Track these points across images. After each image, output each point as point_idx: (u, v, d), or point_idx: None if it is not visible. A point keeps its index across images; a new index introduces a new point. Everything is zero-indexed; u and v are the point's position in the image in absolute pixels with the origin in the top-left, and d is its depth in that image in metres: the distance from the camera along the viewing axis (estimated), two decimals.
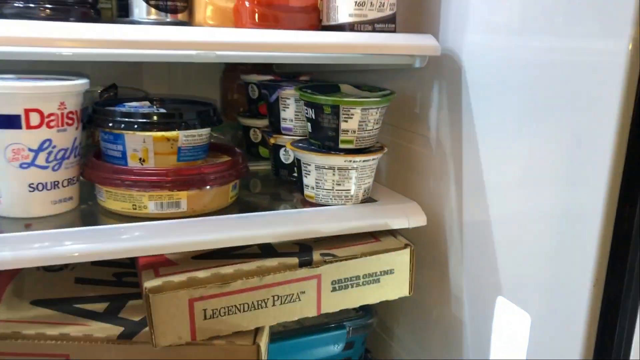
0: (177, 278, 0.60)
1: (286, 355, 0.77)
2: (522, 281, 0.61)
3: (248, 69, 1.06)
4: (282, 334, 0.78)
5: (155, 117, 0.66)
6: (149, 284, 0.59)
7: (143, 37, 0.58)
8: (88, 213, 0.68)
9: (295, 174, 0.80)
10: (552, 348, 0.57)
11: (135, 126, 0.65)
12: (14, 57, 0.58)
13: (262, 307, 0.63)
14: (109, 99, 0.85)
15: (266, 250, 0.67)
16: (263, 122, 0.91)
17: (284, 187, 0.83)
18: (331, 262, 0.65)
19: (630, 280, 0.51)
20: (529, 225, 0.59)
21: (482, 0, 0.64)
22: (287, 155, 0.82)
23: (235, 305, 0.62)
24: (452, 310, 0.72)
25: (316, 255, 0.66)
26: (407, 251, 0.69)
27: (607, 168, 0.49)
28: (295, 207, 0.74)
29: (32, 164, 0.62)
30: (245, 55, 0.64)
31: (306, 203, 0.73)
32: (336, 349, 0.80)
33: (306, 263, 0.65)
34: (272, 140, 0.82)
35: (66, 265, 0.79)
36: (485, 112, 0.65)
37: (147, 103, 0.74)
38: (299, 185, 0.74)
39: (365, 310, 0.84)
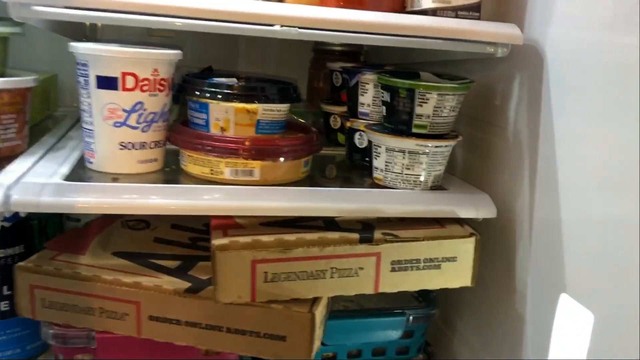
0: (243, 239, 0.63)
1: (344, 334, 0.78)
2: (587, 281, 0.59)
3: (335, 57, 1.09)
4: (342, 312, 0.79)
5: (238, 90, 0.70)
6: (217, 241, 0.63)
7: (226, 7, 0.61)
8: (170, 175, 0.72)
9: (368, 159, 0.81)
10: (614, 349, 0.55)
11: (219, 96, 0.69)
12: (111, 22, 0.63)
13: (320, 278, 0.65)
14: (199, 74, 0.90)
15: (329, 224, 0.69)
16: (343, 109, 0.93)
17: (357, 171, 0.84)
18: (392, 241, 0.66)
19: None
20: (600, 227, 0.57)
21: None
22: (361, 140, 0.83)
23: (295, 272, 0.64)
24: (516, 307, 0.70)
25: (377, 234, 0.67)
26: (472, 240, 0.68)
27: None
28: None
29: (124, 123, 0.68)
30: (328, 34, 0.66)
31: (375, 186, 0.74)
32: (395, 335, 0.80)
33: (367, 240, 0.66)
34: (348, 124, 0.84)
35: (148, 226, 0.85)
36: (566, 108, 0.63)
37: (234, 79, 0.78)
38: (370, 171, 0.76)
39: (428, 300, 0.84)
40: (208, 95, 0.69)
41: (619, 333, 0.54)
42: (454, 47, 0.70)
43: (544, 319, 0.65)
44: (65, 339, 0.69)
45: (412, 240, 0.67)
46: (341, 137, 0.96)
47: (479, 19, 0.69)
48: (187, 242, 0.81)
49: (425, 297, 0.85)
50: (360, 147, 0.84)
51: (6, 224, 0.84)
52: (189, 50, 1.21)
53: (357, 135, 0.84)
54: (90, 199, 0.61)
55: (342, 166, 0.89)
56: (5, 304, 0.85)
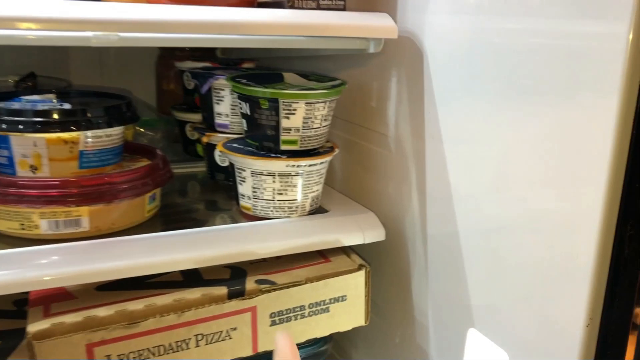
0: (70, 318, 0.48)
1: None
2: (499, 311, 0.50)
3: (184, 55, 0.93)
4: None
5: (48, 115, 0.53)
6: (34, 327, 0.47)
7: (18, 12, 0.45)
8: None
9: (233, 179, 0.68)
10: None
11: (21, 126, 0.52)
12: None
13: (182, 349, 0.51)
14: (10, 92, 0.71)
15: (190, 277, 0.55)
16: (198, 123, 0.78)
17: (222, 193, 0.71)
18: (269, 291, 0.54)
19: (622, 319, 0.40)
20: (506, 240, 0.49)
21: None
22: (223, 157, 0.69)
23: (148, 349, 0.50)
24: (416, 339, 0.61)
25: (250, 283, 0.54)
26: (361, 273, 0.58)
27: (605, 172, 0.39)
28: (232, 219, 0.62)
29: None
30: (158, 37, 0.51)
31: (243, 215, 0.61)
32: None
33: (237, 294, 0.53)
34: (204, 139, 0.70)
35: None
36: (452, 105, 0.54)
37: (52, 96, 0.61)
38: (237, 193, 0.62)
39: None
40: (5, 126, 0.52)
41: None
42: (317, 44, 0.58)
43: (451, 355, 0.56)
44: None
45: (293, 285, 0.55)
46: (201, 149, 0.82)
47: (344, 8, 0.58)
48: (10, 310, 0.63)
49: None
50: (223, 165, 0.70)
51: None
52: (7, 56, 1.00)
53: (217, 153, 0.70)
54: None
55: (204, 186, 0.75)
56: None
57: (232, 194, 0.66)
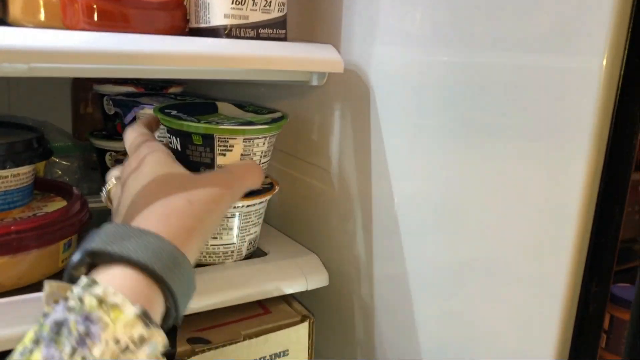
0: None
1: None
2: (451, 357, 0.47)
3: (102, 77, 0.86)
4: None
5: None
6: None
7: None
8: None
9: None
10: None
11: None
12: None
13: None
14: None
15: None
16: (122, 144, 0.71)
17: None
18: (203, 350, 0.48)
19: None
20: (456, 285, 0.46)
21: (393, 5, 0.50)
22: None
23: None
24: None
25: (182, 343, 0.48)
26: (304, 325, 0.53)
27: (572, 227, 0.37)
28: None
29: None
30: (74, 68, 0.45)
31: None
32: None
33: (167, 356, 0.47)
34: None
35: None
36: (398, 141, 0.51)
37: None
38: None
39: None
40: None
41: None
42: (257, 76, 0.54)
43: None
44: None
45: (231, 343, 0.49)
46: None
47: (285, 37, 0.53)
48: None
49: None
50: None
51: None
52: None
53: None
54: None
55: None
56: None
57: None
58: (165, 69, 0.48)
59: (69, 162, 0.78)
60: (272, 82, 0.65)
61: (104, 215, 0.68)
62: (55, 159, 0.77)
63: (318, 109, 0.61)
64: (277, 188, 0.57)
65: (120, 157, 0.69)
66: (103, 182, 0.75)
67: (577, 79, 0.36)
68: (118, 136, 0.74)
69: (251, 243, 0.56)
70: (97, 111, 0.84)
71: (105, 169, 0.76)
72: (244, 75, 0.52)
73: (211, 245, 0.53)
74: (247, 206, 0.53)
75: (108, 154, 0.76)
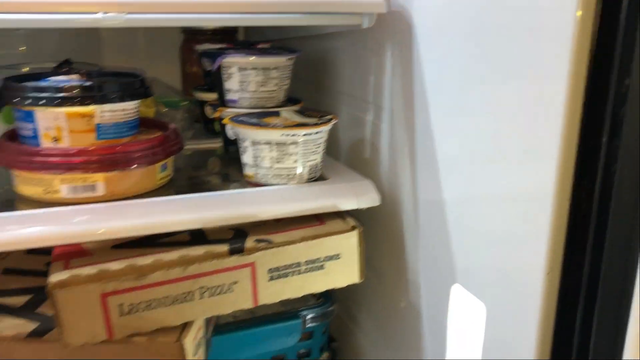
0: (86, 271, 0.54)
1: (235, 349, 0.71)
2: (476, 268, 0.54)
3: (205, 38, 0.99)
4: (230, 325, 0.71)
5: (67, 91, 0.59)
6: (55, 277, 0.53)
7: None
8: (7, 197, 0.61)
9: None
10: (508, 339, 0.50)
11: (44, 101, 0.58)
12: None
13: (188, 301, 0.57)
14: (32, 74, 0.78)
15: (196, 237, 0.60)
16: (213, 100, 0.84)
17: (235, 165, 0.76)
18: (266, 248, 0.58)
19: (590, 267, 0.43)
20: (480, 206, 0.52)
21: None
22: (232, 131, 0.74)
23: (157, 299, 0.56)
24: (410, 297, 0.65)
25: (250, 242, 0.59)
26: (354, 234, 0.62)
27: (558, 142, 0.42)
28: (239, 187, 0.67)
29: None
30: (161, 18, 0.56)
31: (248, 184, 0.66)
32: (292, 340, 0.74)
33: (237, 250, 0.58)
34: (216, 114, 0.75)
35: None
36: (434, 77, 0.57)
37: (76, 77, 0.67)
38: None
39: (326, 297, 0.77)
40: (31, 101, 0.58)
41: (510, 323, 0.49)
42: (314, 21, 0.62)
43: (440, 310, 0.60)
44: None
45: (289, 244, 0.59)
46: (219, 127, 0.87)
47: None
48: (41, 269, 0.70)
49: (322, 293, 0.79)
50: (233, 138, 0.75)
51: None
52: (50, 44, 1.08)
53: (228, 126, 0.75)
54: None
55: (220, 159, 0.80)
56: None
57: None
58: (233, 18, 0.58)
59: (175, 113, 0.92)
60: (332, 30, 0.73)
61: (202, 153, 0.81)
62: (164, 109, 0.91)
63: (373, 52, 0.68)
64: (333, 121, 0.65)
65: (214, 103, 0.80)
66: (204, 130, 0.89)
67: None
68: (215, 90, 0.86)
69: (312, 169, 0.65)
70: (200, 70, 0.97)
71: (205, 117, 0.88)
72: (303, 21, 0.61)
73: (276, 168, 0.63)
74: (305, 135, 0.62)
75: (206, 104, 0.88)
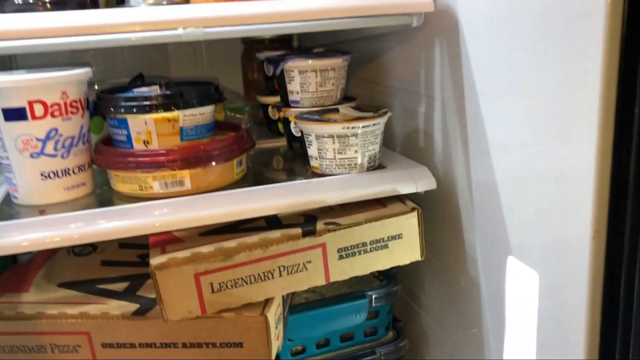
0: (181, 254, 0.62)
1: (308, 327, 0.77)
2: (528, 239, 0.59)
3: (264, 47, 1.06)
4: (303, 305, 0.78)
5: (154, 100, 0.67)
6: (154, 261, 0.61)
7: (121, 18, 0.59)
8: (101, 197, 0.70)
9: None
10: (560, 304, 0.55)
11: (135, 109, 0.66)
12: (17, 51, 0.61)
13: (268, 279, 0.64)
14: (118, 87, 0.87)
15: (271, 223, 0.68)
16: (276, 102, 0.91)
17: (299, 160, 0.83)
18: (335, 230, 0.65)
19: (631, 230, 0.48)
20: (530, 180, 0.57)
21: None
22: (296, 129, 0.81)
23: (242, 278, 0.63)
24: (469, 272, 0.70)
25: (320, 225, 0.66)
26: (414, 214, 0.68)
27: (596, 120, 0.46)
28: (306, 179, 0.74)
29: (41, 152, 0.65)
30: (234, 30, 0.64)
31: (314, 175, 0.73)
32: (359, 318, 0.80)
33: (309, 232, 0.65)
34: (281, 114, 0.82)
35: (95, 249, 0.83)
36: (481, 67, 0.63)
37: (156, 87, 0.75)
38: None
39: (389, 278, 0.83)
40: (123, 110, 0.67)
41: (561, 287, 0.54)
42: (367, 23, 0.68)
43: (497, 283, 0.64)
44: None
45: (355, 225, 0.66)
46: (281, 127, 0.95)
47: None
48: (135, 261, 0.79)
49: (385, 275, 0.85)
50: (297, 135, 0.82)
51: None
52: (120, 61, 1.19)
53: (292, 124, 0.82)
54: (6, 240, 0.58)
55: (285, 157, 0.87)
56: None
57: (307, 161, 0.78)
58: (292, 26, 0.65)
59: (241, 116, 1.00)
60: (384, 31, 0.79)
61: (267, 151, 0.89)
62: (230, 114, 0.99)
63: (422, 48, 0.74)
64: (389, 113, 0.71)
65: (278, 104, 0.88)
66: (267, 131, 0.96)
67: None
68: (276, 92, 0.94)
69: (371, 158, 0.71)
70: (260, 76, 1.05)
71: (268, 118, 0.96)
72: (356, 24, 0.67)
73: (338, 159, 0.70)
74: (363, 127, 0.68)
75: (269, 107, 0.96)
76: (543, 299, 0.57)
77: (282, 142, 0.91)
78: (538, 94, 0.54)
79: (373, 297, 0.80)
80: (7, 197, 0.70)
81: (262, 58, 0.95)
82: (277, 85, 0.85)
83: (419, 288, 0.87)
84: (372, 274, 0.85)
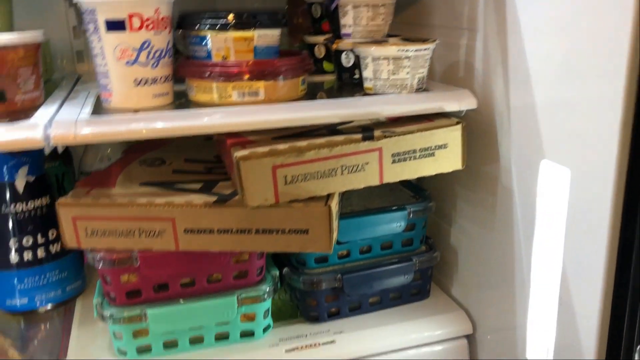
0: (261, 149, 0.71)
1: (356, 230, 0.87)
2: (561, 142, 0.68)
3: None
4: (350, 213, 0.88)
5: (233, 20, 0.76)
6: (239, 153, 0.71)
7: None
8: (181, 106, 0.79)
9: (356, 76, 0.89)
10: (588, 199, 0.64)
11: (217, 27, 0.76)
12: None
13: (332, 176, 0.74)
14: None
15: (333, 132, 0.77)
16: (325, 37, 1.00)
17: (348, 88, 0.92)
18: (390, 136, 0.75)
19: None
20: (564, 108, 0.66)
21: None
22: (348, 59, 0.91)
23: (310, 173, 0.73)
24: (503, 182, 0.80)
25: (377, 133, 0.75)
26: (458, 127, 0.78)
27: (627, 51, 0.56)
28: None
29: (135, 61, 0.74)
30: None
31: (368, 95, 0.83)
32: (399, 227, 0.90)
33: (368, 137, 0.74)
34: (334, 46, 0.92)
35: (164, 162, 0.92)
36: (525, 2, 0.72)
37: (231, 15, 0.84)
38: (360, 86, 0.84)
39: (424, 197, 0.94)
40: (208, 27, 0.76)
41: (592, 182, 0.64)
42: None
43: (529, 185, 0.74)
44: (111, 261, 0.77)
45: (408, 133, 0.76)
46: (327, 66, 1.04)
47: None
48: (203, 171, 0.89)
49: (420, 194, 0.95)
50: (348, 66, 0.92)
51: (31, 178, 0.91)
52: None
53: (343, 56, 0.91)
54: (121, 128, 0.68)
55: (332, 89, 0.97)
56: (42, 250, 0.93)
57: (356, 88, 0.88)
58: None
59: None
60: None
61: (316, 85, 0.98)
62: None
63: None
64: (437, 40, 0.81)
65: (327, 38, 0.97)
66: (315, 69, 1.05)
67: None
68: (323, 32, 1.03)
69: (420, 81, 0.81)
70: (306, 20, 1.14)
71: (315, 58, 1.05)
72: None
73: (392, 79, 0.79)
74: (416, 50, 0.78)
75: (316, 46, 1.05)
76: (573, 193, 0.67)
77: (326, 79, 1.01)
78: (572, 29, 0.63)
79: (411, 210, 0.90)
80: (97, 104, 0.79)
81: (312, 0, 1.04)
82: (330, 21, 0.94)
83: (449, 206, 0.97)
84: (409, 193, 0.96)
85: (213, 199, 0.75)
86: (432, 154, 0.77)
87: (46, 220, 0.93)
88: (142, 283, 0.79)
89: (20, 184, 0.90)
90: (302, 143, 0.73)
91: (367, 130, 0.77)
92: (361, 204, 0.93)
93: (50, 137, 0.66)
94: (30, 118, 0.70)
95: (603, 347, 0.66)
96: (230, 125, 0.71)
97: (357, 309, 0.92)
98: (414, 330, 0.91)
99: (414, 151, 0.76)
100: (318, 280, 0.87)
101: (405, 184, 1.01)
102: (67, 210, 0.76)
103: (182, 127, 0.70)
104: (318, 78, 1.02)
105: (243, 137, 0.76)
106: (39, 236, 0.93)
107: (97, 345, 0.87)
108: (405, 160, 0.76)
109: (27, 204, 0.91)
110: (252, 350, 0.85)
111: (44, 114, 0.71)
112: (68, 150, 1.11)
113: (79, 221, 0.76)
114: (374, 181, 0.76)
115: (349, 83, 0.93)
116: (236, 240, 0.75)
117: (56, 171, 1.06)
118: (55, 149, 1.06)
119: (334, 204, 0.74)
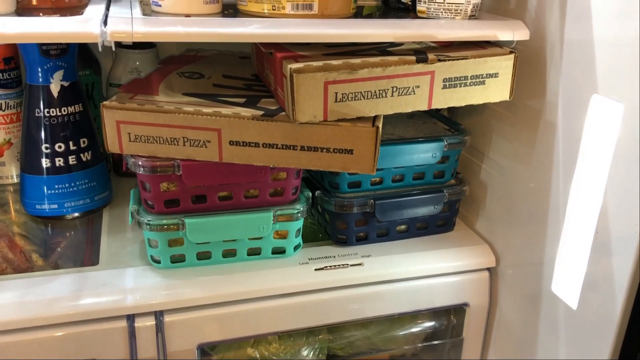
0: (315, 63, 0.70)
1: (391, 158, 0.88)
2: (617, 78, 0.68)
3: None
4: (387, 141, 0.88)
5: None
6: (293, 65, 0.70)
7: None
8: (230, 15, 0.78)
9: (404, 0, 0.88)
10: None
11: None
12: None
13: (382, 97, 0.73)
14: None
15: (384, 53, 0.76)
16: None
17: (395, 12, 0.91)
18: (444, 60, 0.74)
19: None
20: (626, 44, 0.66)
21: None
22: None
23: (361, 92, 0.72)
24: (547, 117, 0.80)
25: (431, 56, 0.74)
26: (511, 57, 0.77)
27: None
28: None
29: None
30: None
31: (420, 19, 0.81)
32: (434, 158, 0.90)
33: (422, 60, 0.74)
34: None
35: (202, 76, 0.91)
36: None
37: None
38: (405, 12, 0.82)
39: (459, 130, 0.94)
40: None
41: None
42: None
43: (575, 120, 0.75)
44: (153, 168, 0.77)
45: (462, 59, 0.75)
46: None
47: None
48: (243, 87, 0.88)
49: (455, 127, 0.95)
50: None
51: (65, 83, 0.90)
52: None
53: None
54: (178, 28, 0.67)
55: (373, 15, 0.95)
56: (73, 158, 0.93)
57: (402, 14, 0.86)
58: None
59: None
60: None
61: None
62: None
63: None
64: None
65: None
66: None
67: None
68: None
69: (474, 7, 0.80)
70: None
71: None
72: None
73: (447, 3, 0.78)
74: None
75: None
76: (625, 130, 0.67)
77: (369, 3, 0.99)
78: None
79: (447, 141, 0.90)
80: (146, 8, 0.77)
81: None
82: None
83: (483, 143, 0.97)
84: (443, 127, 0.96)
85: (260, 112, 0.75)
86: (483, 82, 0.77)
87: (78, 128, 0.92)
88: (181, 193, 0.80)
89: (55, 89, 0.89)
90: (356, 60, 0.72)
91: (421, 53, 0.76)
92: (396, 133, 0.93)
93: (107, 33, 0.64)
94: (81, 14, 0.68)
95: (636, 283, 0.68)
96: (289, 35, 0.70)
97: (384, 236, 0.94)
98: (438, 260, 0.93)
99: (466, 77, 0.76)
100: (350, 203, 0.88)
101: (440, 117, 1.00)
102: (111, 114, 0.75)
103: (240, 34, 0.69)
104: (363, 3, 1.00)
105: (293, 52, 0.75)
106: (70, 144, 0.92)
107: (127, 252, 0.88)
108: (455, 86, 0.76)
109: (60, 110, 0.90)
110: (283, 267, 0.86)
111: (95, 10, 0.70)
112: (97, 60, 1.09)
113: (123, 125, 0.75)
114: (423, 106, 0.76)
115: (395, 8, 0.91)
116: (280, 155, 0.75)
117: (86, 80, 1.05)
118: (88, 55, 1.04)
119: (381, 126, 0.74)
